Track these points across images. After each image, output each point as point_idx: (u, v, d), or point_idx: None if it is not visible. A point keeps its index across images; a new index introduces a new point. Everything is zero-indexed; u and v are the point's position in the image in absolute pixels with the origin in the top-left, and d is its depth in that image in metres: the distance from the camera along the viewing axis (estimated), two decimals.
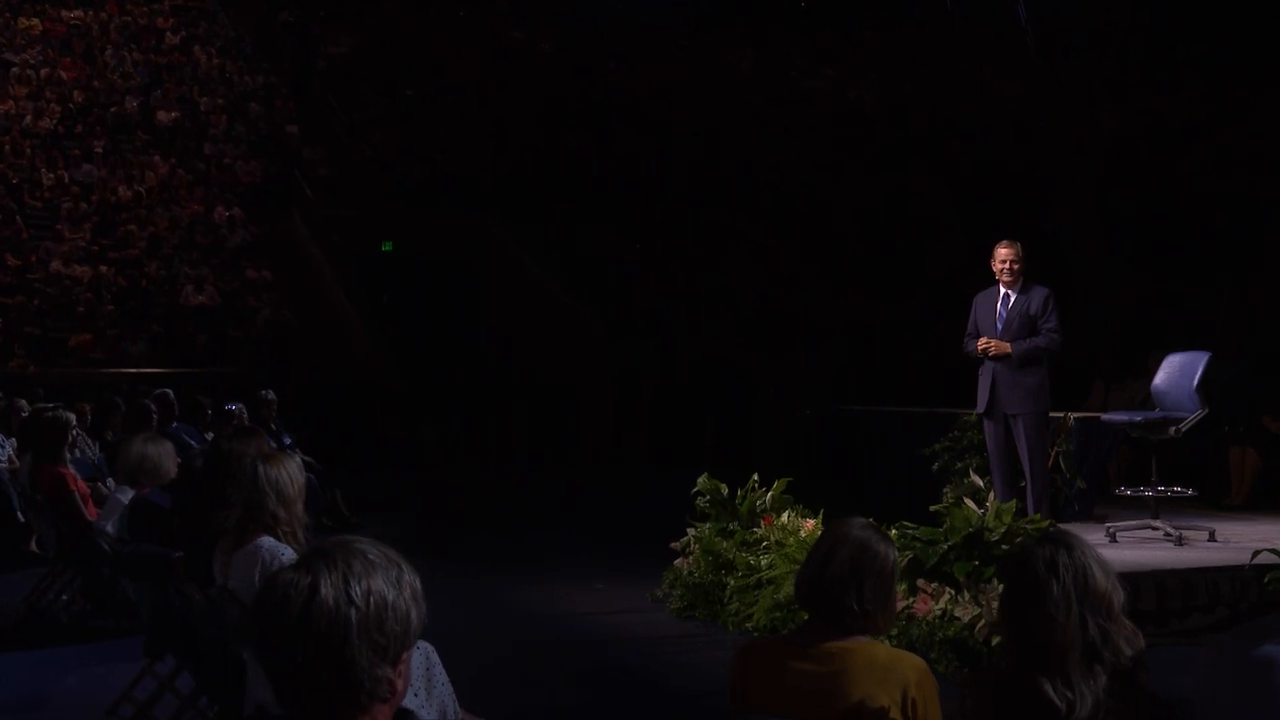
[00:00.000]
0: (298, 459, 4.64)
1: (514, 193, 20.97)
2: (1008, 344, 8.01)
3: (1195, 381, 7.84)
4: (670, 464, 15.70)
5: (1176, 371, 8.05)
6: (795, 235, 20.20)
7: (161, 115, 23.13)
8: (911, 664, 3.08)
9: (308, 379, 16.57)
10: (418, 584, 2.02)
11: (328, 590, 1.91)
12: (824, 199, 20.99)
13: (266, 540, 4.50)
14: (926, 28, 23.38)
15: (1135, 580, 7.03)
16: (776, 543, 8.08)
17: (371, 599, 1.93)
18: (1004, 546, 6.90)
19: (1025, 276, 8.10)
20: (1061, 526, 7.40)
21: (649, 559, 9.49)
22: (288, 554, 4.46)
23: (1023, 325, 8.02)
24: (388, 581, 1.97)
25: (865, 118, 22.94)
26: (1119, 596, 2.80)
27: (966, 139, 21.16)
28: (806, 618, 3.23)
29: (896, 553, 3.24)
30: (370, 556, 1.99)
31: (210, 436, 10.55)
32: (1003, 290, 8.12)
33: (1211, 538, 8.04)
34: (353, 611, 1.90)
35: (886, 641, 3.73)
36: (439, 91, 23.93)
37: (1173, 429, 7.87)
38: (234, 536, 4.59)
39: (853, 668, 3.05)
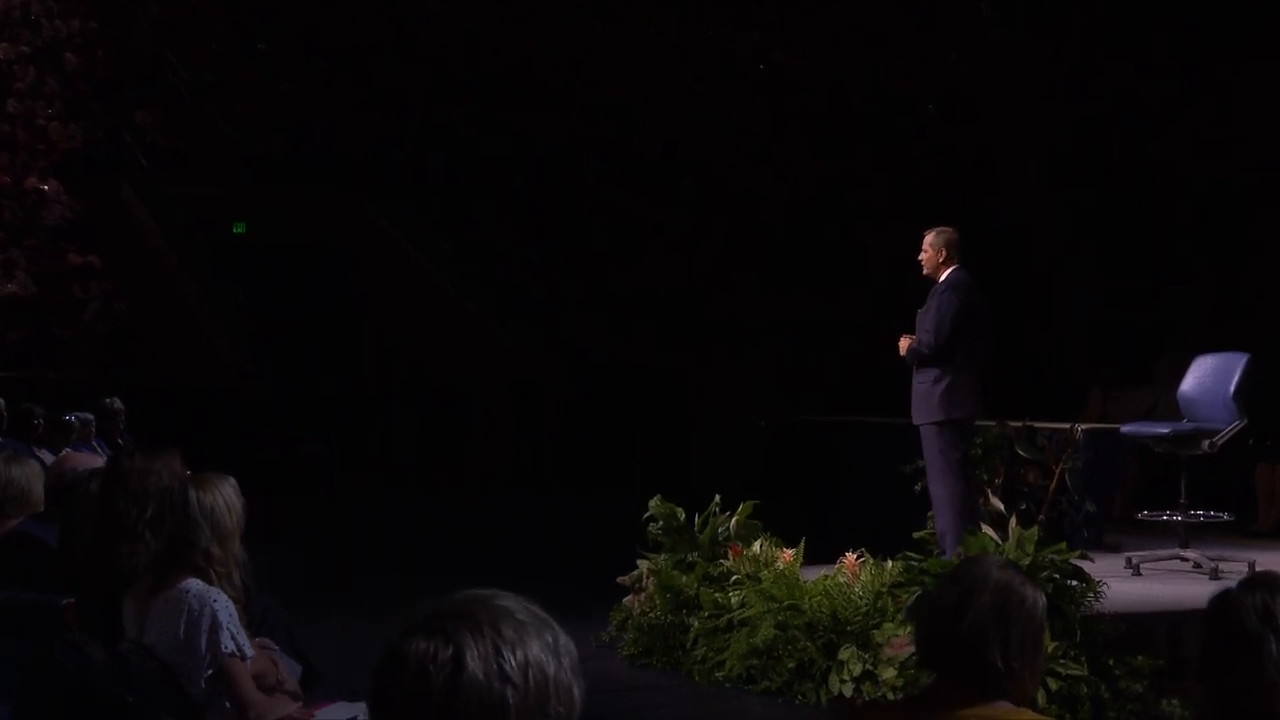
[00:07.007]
0: (232, 482, 4.31)
1: (392, 168, 20.54)
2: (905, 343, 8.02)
3: (1232, 388, 7.79)
4: (585, 483, 15.46)
5: (1209, 376, 7.99)
6: (719, 223, 20.08)
7: None
8: None
9: (150, 384, 16.02)
10: (574, 650, 1.85)
11: (475, 663, 1.75)
12: (752, 184, 20.89)
13: (194, 583, 4.22)
14: None
15: (1174, 621, 6.96)
16: (748, 576, 7.89)
17: (530, 674, 1.77)
18: None
19: (956, 268, 7.97)
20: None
21: (581, 597, 9.24)
22: (221, 600, 4.22)
23: (921, 324, 8.00)
24: (545, 649, 1.80)
25: (798, 92, 22.88)
26: None
27: (911, 118, 21.21)
28: (932, 679, 3.02)
29: (1045, 599, 3.03)
30: (520, 617, 1.82)
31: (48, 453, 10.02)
32: None
33: (1251, 570, 7.98)
34: (509, 691, 1.75)
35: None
36: (300, 48, 23.35)
37: (1206, 443, 7.82)
38: (151, 579, 4.27)
39: None
